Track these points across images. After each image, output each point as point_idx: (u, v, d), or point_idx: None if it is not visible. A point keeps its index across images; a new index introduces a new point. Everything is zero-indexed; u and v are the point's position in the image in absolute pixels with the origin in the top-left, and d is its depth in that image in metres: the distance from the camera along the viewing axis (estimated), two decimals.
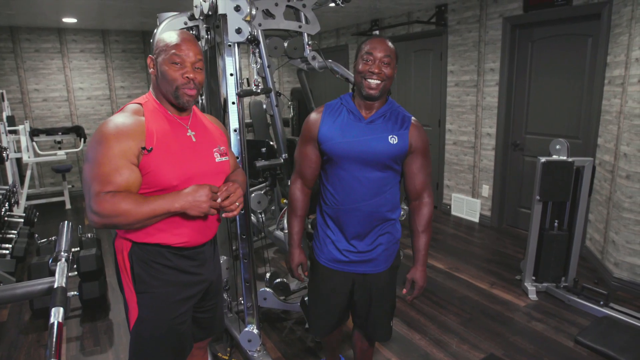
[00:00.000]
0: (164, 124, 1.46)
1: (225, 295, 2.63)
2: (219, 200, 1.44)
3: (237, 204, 1.49)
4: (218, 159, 1.58)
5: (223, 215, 1.50)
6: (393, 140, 1.66)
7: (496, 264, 3.82)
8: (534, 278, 3.28)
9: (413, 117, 1.75)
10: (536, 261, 3.23)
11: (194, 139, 1.52)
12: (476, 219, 4.92)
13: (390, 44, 1.64)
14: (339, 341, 2.22)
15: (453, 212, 5.21)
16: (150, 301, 1.49)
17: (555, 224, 3.17)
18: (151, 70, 1.48)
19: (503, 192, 4.68)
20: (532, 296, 3.19)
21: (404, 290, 1.81)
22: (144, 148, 1.37)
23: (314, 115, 1.76)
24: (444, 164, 5.26)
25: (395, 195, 1.77)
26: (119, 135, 1.34)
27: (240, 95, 1.98)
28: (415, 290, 1.80)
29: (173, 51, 1.41)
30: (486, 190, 4.77)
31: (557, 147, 3.08)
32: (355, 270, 1.80)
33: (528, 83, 4.30)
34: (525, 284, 3.26)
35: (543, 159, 3.03)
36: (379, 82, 1.62)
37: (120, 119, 1.38)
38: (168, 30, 1.52)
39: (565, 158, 3.03)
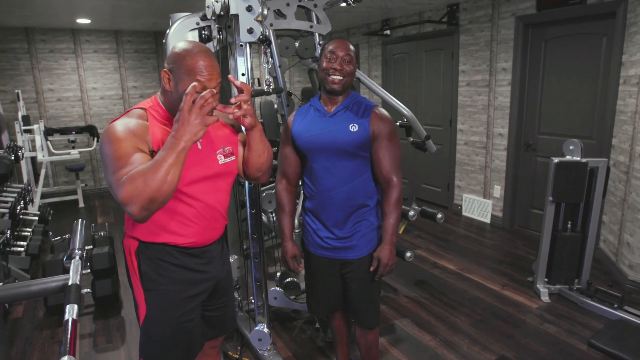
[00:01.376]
0: (169, 129, 1.43)
1: (235, 294, 2.64)
2: (202, 97, 1.28)
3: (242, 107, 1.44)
4: (222, 160, 1.55)
5: (240, 114, 1.45)
6: (353, 128, 1.79)
7: (508, 265, 3.79)
8: (546, 280, 3.24)
9: (377, 106, 1.85)
10: (549, 263, 3.20)
11: (199, 146, 1.50)
12: (487, 220, 4.89)
13: (351, 45, 1.82)
14: (346, 336, 2.24)
15: (464, 213, 5.17)
16: (158, 298, 1.51)
17: (569, 225, 3.13)
18: (167, 86, 1.41)
19: (515, 193, 4.64)
20: (545, 298, 3.16)
21: (372, 268, 1.87)
22: (152, 150, 1.37)
23: (289, 119, 1.95)
24: (455, 164, 5.22)
25: (367, 182, 1.87)
26: (128, 133, 1.34)
27: (252, 95, 1.98)
28: (380, 268, 1.85)
29: (199, 78, 1.36)
30: (498, 190, 4.73)
31: (571, 147, 3.04)
32: (339, 257, 1.92)
33: (541, 83, 4.25)
34: (538, 285, 3.23)
35: (556, 160, 3.00)
36: (341, 77, 1.77)
37: (125, 121, 1.38)
38: (188, 46, 1.39)
39: (579, 159, 2.99)
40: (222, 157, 1.56)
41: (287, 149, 1.94)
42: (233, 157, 1.60)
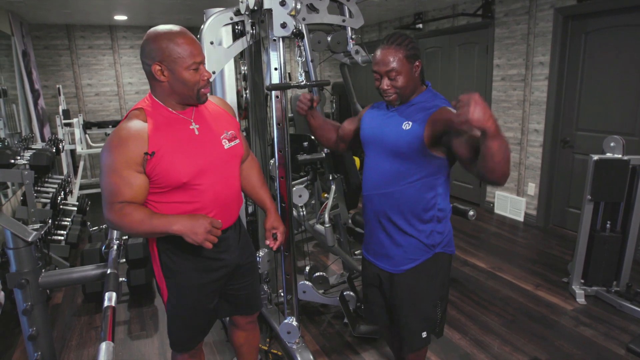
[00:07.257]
0: (166, 123, 1.48)
1: (265, 287, 2.67)
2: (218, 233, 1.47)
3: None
4: (227, 145, 1.59)
5: (275, 247, 1.81)
6: (406, 126, 1.58)
7: (542, 265, 3.69)
8: (582, 281, 3.14)
9: (446, 107, 1.56)
10: (585, 263, 3.09)
11: (197, 132, 1.53)
12: (521, 218, 4.76)
13: (394, 51, 1.55)
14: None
15: (496, 211, 5.06)
16: (176, 286, 1.61)
17: (608, 225, 3.01)
18: (162, 77, 1.44)
19: (550, 191, 4.50)
20: (580, 300, 3.06)
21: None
22: (146, 153, 1.41)
23: (366, 108, 1.87)
24: None
25: (422, 191, 1.61)
26: (123, 143, 1.39)
27: (269, 89, 1.97)
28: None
29: (192, 60, 1.42)
30: (532, 188, 4.60)
31: (612, 144, 2.92)
32: (377, 264, 1.76)
33: (580, 77, 4.10)
34: (573, 286, 3.13)
35: (596, 157, 2.89)
36: (393, 96, 1.61)
37: (124, 127, 1.42)
38: (167, 36, 1.43)
39: (620, 156, 2.88)
40: (227, 141, 1.60)
41: (347, 123, 1.93)
42: (237, 141, 1.64)
